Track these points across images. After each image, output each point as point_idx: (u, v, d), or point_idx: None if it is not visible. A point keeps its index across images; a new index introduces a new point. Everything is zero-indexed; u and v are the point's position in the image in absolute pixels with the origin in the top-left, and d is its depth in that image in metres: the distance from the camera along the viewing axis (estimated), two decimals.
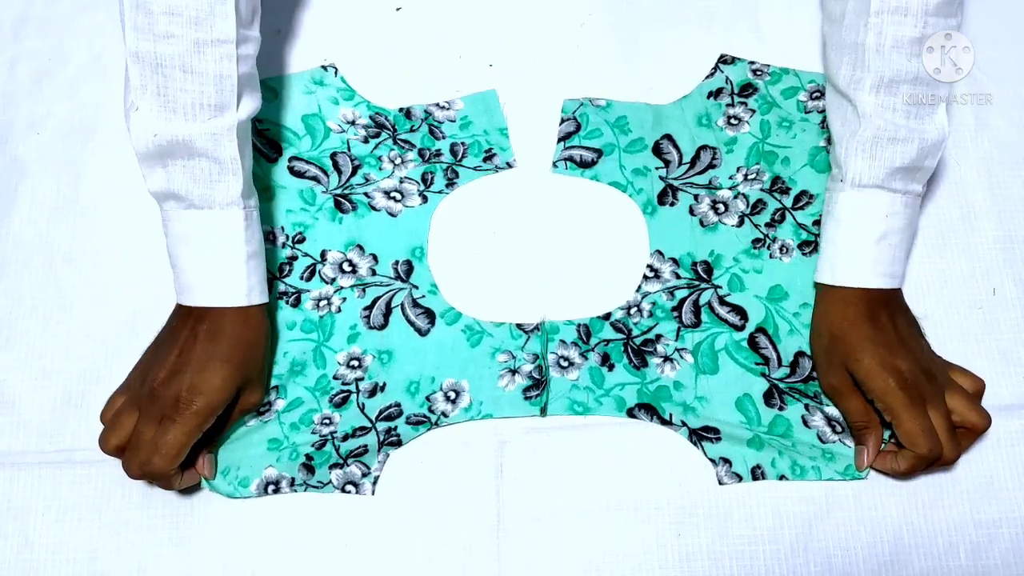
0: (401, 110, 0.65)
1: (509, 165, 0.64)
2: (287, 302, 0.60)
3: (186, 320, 0.53)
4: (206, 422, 0.52)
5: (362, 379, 0.58)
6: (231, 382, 0.52)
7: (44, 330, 0.60)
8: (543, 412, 0.57)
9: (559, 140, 0.64)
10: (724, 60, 0.67)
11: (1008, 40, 0.67)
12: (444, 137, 0.64)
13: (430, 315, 0.60)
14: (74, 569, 0.55)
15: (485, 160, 0.63)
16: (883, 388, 0.52)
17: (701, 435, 0.56)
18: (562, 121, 0.65)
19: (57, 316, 0.60)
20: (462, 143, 0.64)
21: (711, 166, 0.63)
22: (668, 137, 0.64)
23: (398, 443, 0.56)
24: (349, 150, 0.64)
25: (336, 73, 0.66)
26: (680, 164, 0.63)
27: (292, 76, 0.66)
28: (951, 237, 0.62)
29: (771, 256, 0.61)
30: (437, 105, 0.65)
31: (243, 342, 0.53)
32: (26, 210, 0.63)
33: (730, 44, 0.67)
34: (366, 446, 0.56)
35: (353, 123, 0.65)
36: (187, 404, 0.51)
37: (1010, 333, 0.59)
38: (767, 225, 0.61)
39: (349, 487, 0.55)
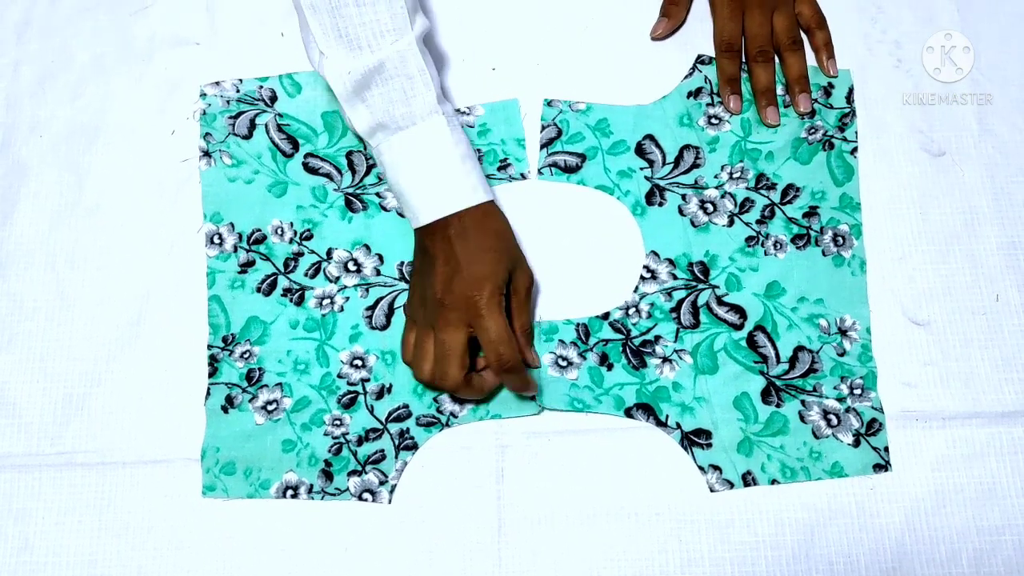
0: None
1: (523, 176, 0.64)
2: (291, 300, 0.60)
3: (432, 238, 0.55)
4: (502, 304, 0.55)
5: (368, 379, 0.58)
6: (502, 265, 0.55)
7: (46, 332, 0.60)
8: (541, 403, 0.57)
9: (542, 146, 0.64)
10: (702, 60, 0.67)
11: (1012, 43, 0.67)
12: None
13: None
14: (74, 572, 0.55)
15: (499, 169, 0.64)
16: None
17: (692, 440, 0.57)
18: (543, 127, 0.65)
19: (59, 318, 0.60)
20: (478, 150, 0.64)
21: (695, 165, 0.63)
22: (650, 137, 0.64)
23: (414, 446, 0.57)
24: (366, 148, 0.64)
25: None
26: (664, 164, 0.63)
27: (318, 72, 0.66)
28: (954, 243, 0.61)
29: (766, 253, 0.61)
30: (457, 110, 0.65)
31: (493, 231, 0.56)
32: (28, 212, 0.63)
33: None
34: (383, 451, 0.57)
35: None
36: (479, 297, 0.54)
37: (1013, 340, 0.59)
38: (758, 222, 0.62)
39: (366, 495, 0.56)
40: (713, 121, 0.65)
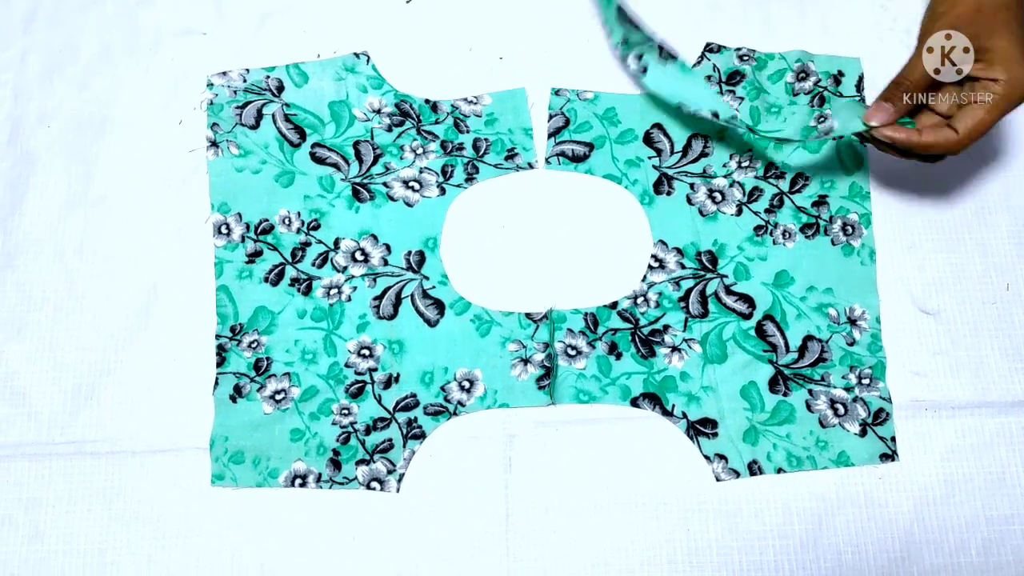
0: (428, 102, 0.65)
1: (531, 166, 0.64)
2: (299, 289, 0.60)
3: None
4: None
5: (375, 369, 0.59)
6: None
7: (55, 322, 0.60)
8: (551, 398, 0.57)
9: (549, 136, 0.64)
10: (710, 48, 0.66)
11: None
12: (468, 131, 0.64)
13: (439, 306, 0.60)
14: (84, 560, 0.55)
15: (507, 159, 0.63)
16: (1012, 79, 0.51)
17: (698, 429, 0.57)
18: (550, 117, 0.65)
19: (68, 308, 0.60)
20: (485, 139, 0.64)
21: (703, 154, 0.63)
22: (658, 126, 0.64)
23: (422, 435, 0.57)
24: (372, 139, 0.64)
25: (368, 61, 0.66)
26: (672, 153, 0.63)
27: (324, 62, 0.66)
28: (965, 232, 0.61)
29: (774, 242, 0.61)
30: (465, 99, 0.65)
31: None
32: (37, 203, 0.63)
33: (740, 36, 0.67)
34: (391, 440, 0.57)
35: (379, 112, 0.65)
36: None
37: (1023, 329, 0.59)
38: (767, 211, 0.62)
39: (374, 484, 0.56)
40: None
